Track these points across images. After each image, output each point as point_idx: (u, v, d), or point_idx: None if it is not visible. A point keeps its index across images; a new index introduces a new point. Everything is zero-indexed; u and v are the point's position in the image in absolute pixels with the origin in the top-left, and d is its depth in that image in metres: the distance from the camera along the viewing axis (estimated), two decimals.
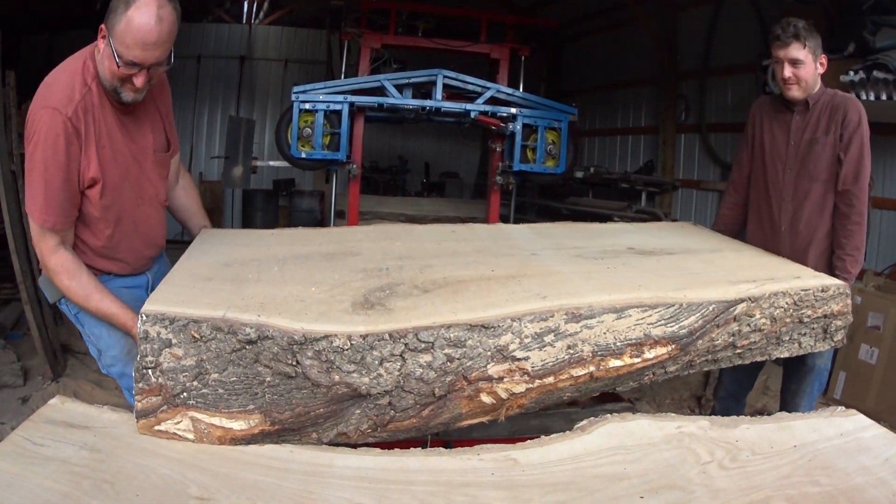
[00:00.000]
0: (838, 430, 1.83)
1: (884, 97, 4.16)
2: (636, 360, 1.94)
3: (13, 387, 4.12)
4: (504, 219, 6.03)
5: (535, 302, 1.87)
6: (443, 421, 1.81)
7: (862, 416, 1.91)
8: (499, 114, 5.25)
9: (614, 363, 1.91)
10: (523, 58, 5.81)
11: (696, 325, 2.00)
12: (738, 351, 2.18)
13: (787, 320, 2.19)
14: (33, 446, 1.54)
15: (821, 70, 2.89)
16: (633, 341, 1.92)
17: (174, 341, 1.63)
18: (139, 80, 2.02)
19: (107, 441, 1.61)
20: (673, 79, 7.50)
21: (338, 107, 5.08)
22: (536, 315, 1.81)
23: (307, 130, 5.08)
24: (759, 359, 2.29)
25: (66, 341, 4.82)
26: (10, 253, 4.39)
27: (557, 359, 1.83)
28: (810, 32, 2.80)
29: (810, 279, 2.30)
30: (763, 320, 2.14)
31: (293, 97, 5.03)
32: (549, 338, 1.82)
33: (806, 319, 2.23)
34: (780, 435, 1.80)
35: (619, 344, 1.90)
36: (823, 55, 2.88)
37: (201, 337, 1.63)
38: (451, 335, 1.71)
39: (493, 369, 1.77)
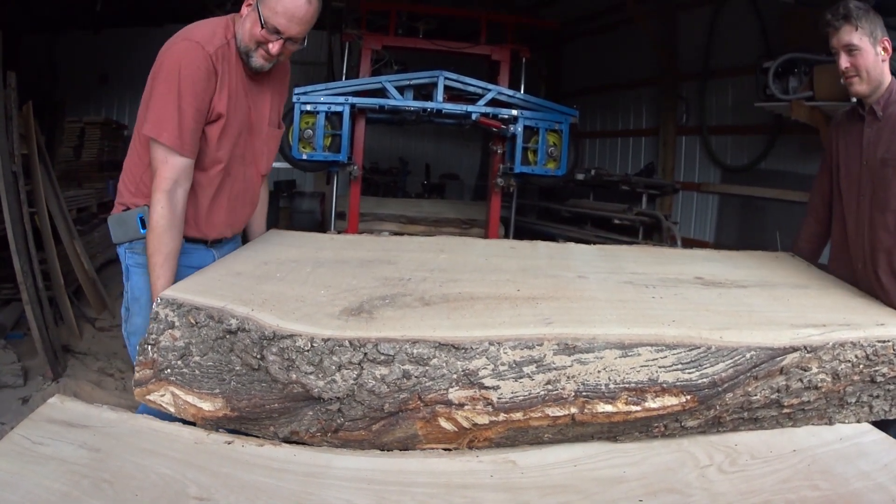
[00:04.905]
0: (837, 434, 1.84)
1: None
2: (634, 408, 1.67)
3: (13, 387, 4.11)
4: (505, 221, 6.03)
5: (532, 327, 1.70)
6: (397, 439, 1.70)
7: None
8: (500, 116, 5.26)
9: (604, 408, 1.66)
10: (524, 59, 5.81)
11: (723, 374, 1.68)
12: (786, 411, 1.82)
13: (855, 378, 1.81)
14: (32, 445, 1.55)
15: (884, 56, 2.37)
16: (634, 385, 1.66)
17: (177, 324, 1.75)
18: (275, 48, 2.15)
19: (106, 440, 1.61)
20: (673, 80, 7.50)
21: (339, 108, 5.09)
22: (521, 342, 1.64)
23: (308, 132, 5.09)
24: (816, 423, 1.88)
25: (66, 342, 4.81)
26: (10, 253, 4.38)
27: (531, 393, 1.64)
28: (865, 13, 2.33)
29: None
30: (822, 376, 1.77)
31: (294, 99, 5.04)
32: (528, 368, 1.64)
33: (880, 379, 1.83)
34: (780, 439, 1.80)
35: (612, 386, 1.65)
36: (885, 38, 2.36)
37: (196, 323, 1.74)
38: (415, 351, 1.62)
39: (455, 394, 1.63)
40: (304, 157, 5.13)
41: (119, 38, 9.66)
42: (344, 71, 5.97)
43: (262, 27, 2.10)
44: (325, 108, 5.07)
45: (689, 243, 6.47)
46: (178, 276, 2.11)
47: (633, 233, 6.59)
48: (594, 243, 2.90)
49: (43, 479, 1.43)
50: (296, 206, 8.72)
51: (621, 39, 8.43)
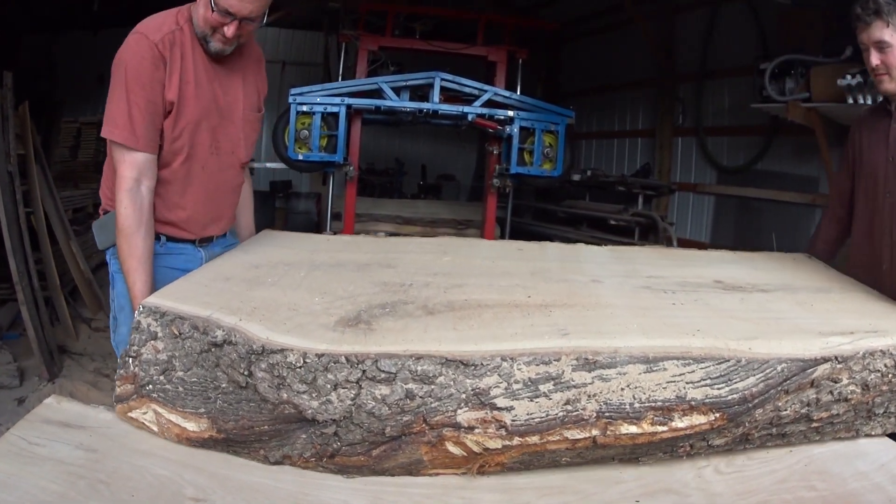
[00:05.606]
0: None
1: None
2: (661, 428, 1.52)
3: (9, 388, 4.11)
4: (501, 222, 6.04)
5: (547, 339, 1.55)
6: (399, 465, 1.55)
7: None
8: (496, 116, 5.27)
9: (628, 429, 1.51)
10: (520, 60, 5.82)
11: (754, 389, 1.55)
12: (815, 425, 1.71)
13: (884, 388, 1.70)
14: (29, 446, 1.54)
15: None
16: (660, 404, 1.51)
17: (160, 335, 1.62)
18: (230, 31, 2.06)
19: (103, 441, 1.60)
20: (670, 82, 7.51)
21: (335, 109, 5.10)
22: (537, 356, 1.48)
23: (304, 132, 5.10)
24: (843, 436, 1.78)
25: (62, 342, 4.81)
26: (6, 253, 4.38)
27: (548, 415, 1.48)
28: (895, 8, 2.19)
29: None
30: (852, 387, 1.66)
31: (290, 99, 5.05)
32: (545, 387, 1.48)
33: None
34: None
35: (637, 406, 1.50)
36: None
37: (180, 334, 1.60)
38: (420, 368, 1.46)
39: (464, 416, 1.48)
40: (300, 157, 5.14)
41: (117, 39, 9.55)
42: (340, 72, 5.97)
43: (214, 10, 2.02)
44: (321, 108, 5.08)
45: (685, 244, 6.48)
46: (165, 280, 1.99)
47: (629, 233, 6.60)
48: (594, 244, 2.85)
49: (39, 480, 1.42)
50: (292, 206, 8.73)
51: (619, 41, 8.45)
